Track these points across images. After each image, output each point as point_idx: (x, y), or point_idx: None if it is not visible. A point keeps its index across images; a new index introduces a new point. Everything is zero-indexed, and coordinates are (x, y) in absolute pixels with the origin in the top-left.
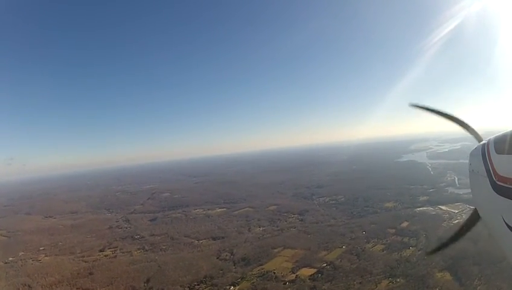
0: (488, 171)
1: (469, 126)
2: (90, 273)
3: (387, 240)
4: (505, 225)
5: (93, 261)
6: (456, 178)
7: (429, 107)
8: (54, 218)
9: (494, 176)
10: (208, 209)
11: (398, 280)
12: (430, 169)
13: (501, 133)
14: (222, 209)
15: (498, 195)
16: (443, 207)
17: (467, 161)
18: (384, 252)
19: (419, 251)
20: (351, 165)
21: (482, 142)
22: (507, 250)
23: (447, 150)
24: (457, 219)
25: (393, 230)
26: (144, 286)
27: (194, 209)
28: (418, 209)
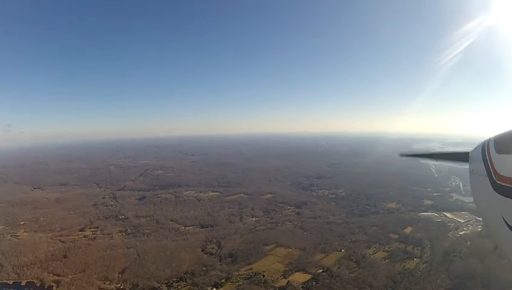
0: (488, 171)
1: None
2: (65, 256)
3: (389, 247)
4: (506, 225)
5: (71, 241)
6: (461, 184)
7: (420, 153)
8: (42, 189)
9: (495, 175)
10: (200, 192)
11: None
12: (434, 171)
13: (501, 132)
14: (215, 193)
15: (498, 195)
16: (448, 214)
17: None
18: (387, 261)
19: (424, 263)
20: (352, 158)
21: (482, 142)
22: (507, 250)
23: None
24: (464, 230)
25: (397, 236)
26: (118, 277)
27: (186, 191)
28: (422, 213)
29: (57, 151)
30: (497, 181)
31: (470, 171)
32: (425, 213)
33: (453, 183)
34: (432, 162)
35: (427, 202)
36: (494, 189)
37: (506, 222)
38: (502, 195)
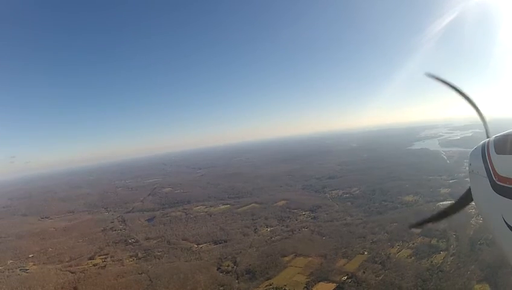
0: (488, 171)
1: (483, 116)
2: (75, 289)
3: (413, 243)
4: (505, 225)
5: (81, 271)
6: None
7: (448, 82)
8: (50, 219)
9: (494, 176)
10: (211, 206)
11: None
12: (446, 158)
13: (501, 133)
14: (226, 206)
15: (498, 195)
16: None
17: None
18: (412, 258)
19: (451, 256)
20: (362, 154)
21: (481, 142)
22: (507, 250)
23: (458, 137)
24: None
25: (419, 230)
26: None
27: (196, 206)
28: (441, 203)
29: (63, 179)
30: (497, 182)
31: (469, 172)
32: (444, 202)
33: (467, 168)
34: (442, 149)
35: (444, 190)
36: (494, 189)
37: (506, 222)
38: (502, 195)
